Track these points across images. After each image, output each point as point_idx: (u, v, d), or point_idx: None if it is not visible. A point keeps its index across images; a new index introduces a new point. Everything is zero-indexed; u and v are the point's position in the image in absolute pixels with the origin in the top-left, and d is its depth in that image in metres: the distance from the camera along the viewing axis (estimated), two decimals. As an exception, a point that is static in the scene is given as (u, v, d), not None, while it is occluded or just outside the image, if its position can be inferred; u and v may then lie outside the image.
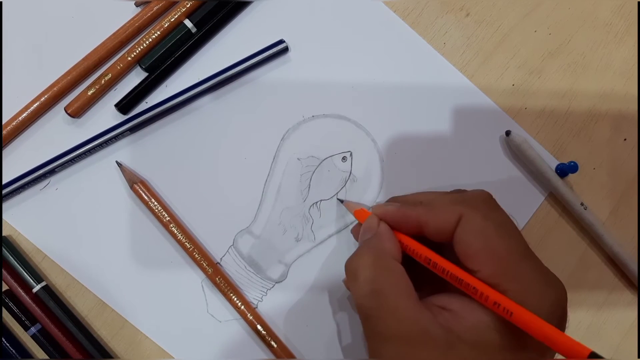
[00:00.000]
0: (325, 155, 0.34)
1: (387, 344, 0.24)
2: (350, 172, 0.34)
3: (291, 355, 0.32)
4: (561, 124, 0.36)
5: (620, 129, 0.36)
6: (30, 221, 0.33)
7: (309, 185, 0.34)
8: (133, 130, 0.33)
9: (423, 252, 0.26)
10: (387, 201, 0.31)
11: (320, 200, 0.34)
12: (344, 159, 0.34)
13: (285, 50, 0.34)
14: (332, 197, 0.34)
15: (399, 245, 0.27)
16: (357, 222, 0.32)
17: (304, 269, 0.33)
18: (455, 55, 0.36)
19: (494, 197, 0.27)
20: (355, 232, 0.32)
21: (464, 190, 0.29)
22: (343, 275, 0.32)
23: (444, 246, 0.26)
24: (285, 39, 0.34)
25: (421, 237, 0.27)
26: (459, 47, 0.36)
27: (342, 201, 0.33)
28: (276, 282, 0.33)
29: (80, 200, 0.33)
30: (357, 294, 0.25)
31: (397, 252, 0.26)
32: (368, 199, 0.34)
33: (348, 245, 0.34)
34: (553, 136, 0.36)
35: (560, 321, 0.24)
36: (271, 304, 0.33)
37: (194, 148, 0.34)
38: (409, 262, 0.26)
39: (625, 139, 0.36)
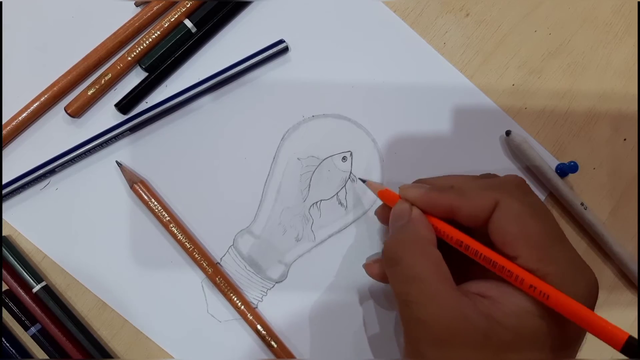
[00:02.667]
0: (325, 155, 0.34)
1: (426, 330, 0.23)
2: (351, 172, 0.34)
3: (291, 356, 0.32)
4: (561, 124, 0.36)
5: (620, 129, 0.36)
6: (30, 221, 0.33)
7: (309, 185, 0.34)
8: (133, 130, 0.33)
9: (455, 235, 0.26)
10: (414, 182, 0.30)
11: (321, 200, 0.34)
12: (344, 158, 0.34)
13: (286, 50, 0.34)
14: (332, 197, 0.34)
15: (433, 231, 0.26)
16: (378, 204, 0.32)
17: (305, 270, 0.33)
18: (455, 55, 0.36)
19: (526, 182, 0.27)
20: (380, 214, 0.31)
21: (494, 175, 0.29)
22: (344, 274, 0.32)
23: (474, 231, 0.26)
24: (285, 39, 0.34)
25: (449, 220, 0.27)
26: (459, 47, 0.36)
27: (364, 181, 0.32)
28: (276, 282, 0.33)
29: (80, 200, 0.33)
30: (396, 280, 0.25)
31: (433, 238, 0.26)
32: (367, 200, 0.34)
33: (349, 245, 0.34)
34: (553, 136, 0.36)
35: (593, 306, 0.24)
36: (271, 304, 0.33)
37: (194, 148, 0.34)
38: (441, 250, 0.26)
39: (625, 139, 0.36)
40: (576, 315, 0.22)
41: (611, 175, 0.36)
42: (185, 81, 0.34)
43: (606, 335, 0.21)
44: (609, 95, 0.37)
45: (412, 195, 0.27)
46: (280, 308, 0.33)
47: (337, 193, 0.34)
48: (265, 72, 0.35)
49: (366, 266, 0.30)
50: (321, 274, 0.33)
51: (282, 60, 0.35)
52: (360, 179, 0.34)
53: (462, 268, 0.26)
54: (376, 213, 0.32)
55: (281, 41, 0.34)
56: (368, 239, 0.34)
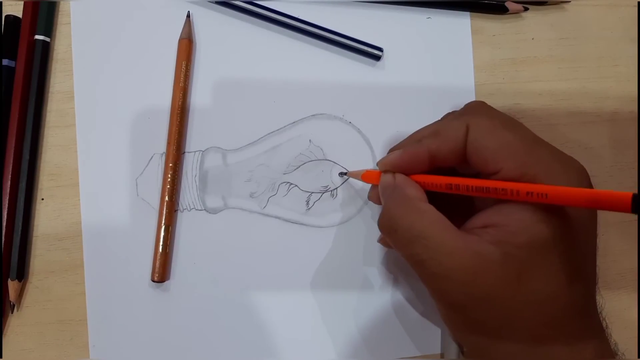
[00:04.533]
0: (332, 158, 0.35)
1: (446, 281, 0.24)
2: (336, 189, 0.35)
3: (165, 262, 0.32)
4: (561, 124, 0.36)
5: (620, 129, 0.36)
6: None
7: (298, 167, 0.35)
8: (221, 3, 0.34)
9: (442, 180, 0.26)
10: (389, 151, 0.31)
11: (295, 186, 0.34)
12: (341, 174, 0.35)
13: (378, 58, 0.35)
14: (304, 192, 0.34)
15: (421, 188, 0.27)
16: (367, 190, 0.32)
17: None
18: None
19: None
20: (373, 196, 0.32)
21: (456, 110, 0.29)
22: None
23: (460, 173, 0.27)
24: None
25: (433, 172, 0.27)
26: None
27: (345, 174, 0.33)
28: (205, 210, 0.34)
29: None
30: (400, 245, 0.25)
31: (422, 194, 0.26)
32: (329, 219, 0.34)
33: (288, 242, 0.34)
34: (551, 137, 0.35)
35: (590, 187, 0.25)
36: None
37: (251, 56, 0.35)
38: (435, 205, 0.26)
39: (624, 139, 0.36)
40: (579, 198, 0.21)
41: (611, 175, 0.36)
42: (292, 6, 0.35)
43: (612, 203, 0.20)
44: (609, 95, 0.36)
45: (389, 162, 0.28)
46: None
47: (310, 193, 0.34)
48: (353, 64, 0.35)
49: (381, 241, 0.31)
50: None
51: (371, 62, 0.35)
52: (340, 173, 0.34)
53: (462, 214, 0.26)
54: (370, 198, 0.32)
55: (380, 48, 0.35)
56: (303, 247, 0.34)
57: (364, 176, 0.31)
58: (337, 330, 0.34)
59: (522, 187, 0.23)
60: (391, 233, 0.26)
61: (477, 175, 0.26)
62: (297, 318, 0.34)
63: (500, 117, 0.26)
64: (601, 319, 0.26)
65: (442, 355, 0.34)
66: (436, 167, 0.27)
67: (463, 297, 0.24)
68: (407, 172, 0.27)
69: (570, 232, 0.24)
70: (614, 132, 0.36)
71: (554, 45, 0.36)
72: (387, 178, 0.28)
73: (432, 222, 0.24)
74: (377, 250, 0.34)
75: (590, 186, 0.25)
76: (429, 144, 0.26)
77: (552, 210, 0.23)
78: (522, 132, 0.26)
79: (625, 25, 0.37)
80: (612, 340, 0.26)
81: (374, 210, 0.35)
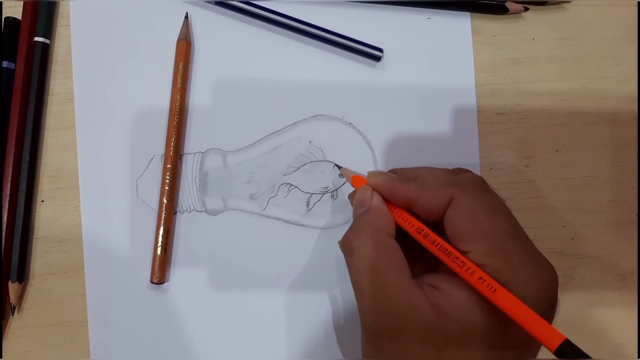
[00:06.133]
0: (332, 159, 0.35)
1: (377, 319, 0.24)
2: (336, 189, 0.35)
3: (164, 264, 0.32)
4: (562, 124, 0.36)
5: (621, 129, 0.36)
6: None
7: (299, 168, 0.35)
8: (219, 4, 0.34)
9: (416, 222, 0.26)
10: (388, 171, 0.31)
11: (295, 187, 0.34)
12: (341, 175, 0.35)
13: (378, 58, 0.35)
14: (304, 193, 0.34)
15: (393, 221, 0.27)
16: (353, 189, 0.32)
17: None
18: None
19: (486, 181, 0.28)
20: (352, 197, 0.32)
21: (462, 170, 0.29)
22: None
23: (434, 227, 0.27)
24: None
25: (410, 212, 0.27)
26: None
27: (340, 167, 0.33)
28: (205, 212, 0.34)
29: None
30: (352, 270, 0.26)
31: (391, 228, 0.27)
32: (330, 219, 0.34)
33: (285, 243, 0.34)
34: (552, 137, 0.35)
35: (550, 304, 0.25)
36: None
37: (249, 54, 0.35)
38: (401, 240, 0.26)
39: (624, 139, 0.36)
40: (517, 312, 0.22)
41: (611, 175, 0.36)
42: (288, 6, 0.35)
43: (542, 335, 0.21)
44: (609, 95, 0.36)
45: (374, 182, 0.28)
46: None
47: (311, 195, 0.34)
48: (351, 64, 0.35)
49: (350, 195, 0.31)
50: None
51: (371, 63, 0.35)
52: (336, 165, 0.34)
53: (425, 259, 0.27)
54: (349, 197, 0.32)
55: (380, 49, 0.35)
56: (303, 249, 0.34)
57: (354, 179, 0.31)
58: (337, 330, 0.34)
59: (478, 271, 0.23)
60: (348, 255, 0.26)
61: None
62: (297, 319, 0.34)
63: (487, 202, 0.26)
64: None
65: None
66: (415, 212, 0.27)
67: (384, 340, 0.24)
68: (387, 199, 0.28)
69: (506, 335, 0.24)
70: (615, 132, 0.36)
71: (554, 46, 0.36)
72: (365, 196, 0.28)
73: (389, 260, 0.25)
74: (378, 252, 0.34)
75: (555, 298, 0.25)
76: (411, 191, 0.26)
77: (496, 311, 0.23)
78: (503, 223, 0.25)
79: (626, 25, 0.37)
80: None
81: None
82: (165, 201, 0.33)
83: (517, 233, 0.26)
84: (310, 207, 0.34)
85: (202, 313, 0.33)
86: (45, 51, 0.34)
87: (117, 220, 0.33)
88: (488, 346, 0.24)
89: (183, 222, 0.34)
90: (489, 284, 0.23)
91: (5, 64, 0.33)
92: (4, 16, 0.34)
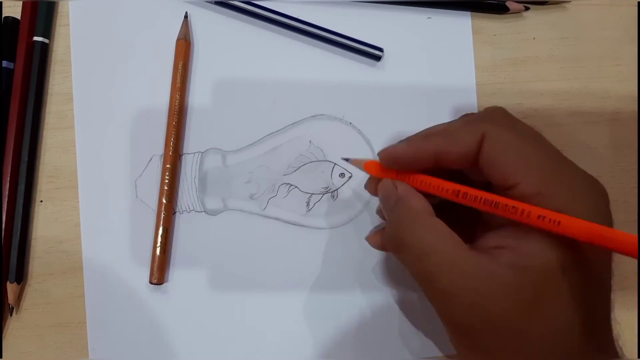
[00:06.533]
0: (332, 158, 0.35)
1: (455, 300, 0.22)
2: (337, 190, 0.34)
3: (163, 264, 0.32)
4: (563, 123, 0.35)
5: (621, 128, 0.36)
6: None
7: (298, 168, 0.34)
8: (219, 3, 0.34)
9: (450, 186, 0.24)
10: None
11: (295, 187, 0.34)
12: (341, 175, 0.35)
13: (378, 58, 0.35)
14: (304, 193, 0.34)
15: (426, 200, 0.25)
16: (367, 178, 0.30)
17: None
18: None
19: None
20: (370, 187, 0.29)
21: (474, 113, 0.28)
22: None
23: (464, 177, 0.25)
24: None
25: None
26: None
27: (347, 159, 0.31)
28: (205, 212, 0.34)
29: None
30: (409, 262, 0.24)
31: (428, 206, 0.25)
32: (329, 220, 0.34)
33: (287, 243, 0.34)
34: (552, 137, 0.35)
35: (607, 220, 0.23)
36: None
37: (249, 55, 0.35)
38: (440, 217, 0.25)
39: (625, 139, 0.36)
40: (589, 234, 0.20)
41: (611, 176, 0.36)
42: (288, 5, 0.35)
43: (621, 245, 0.19)
44: (609, 95, 0.36)
45: (394, 154, 0.26)
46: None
47: (310, 195, 0.34)
48: (351, 63, 0.35)
49: (369, 239, 0.29)
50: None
51: (371, 63, 0.35)
52: (343, 158, 0.32)
53: (469, 230, 0.25)
54: (366, 187, 0.30)
55: (380, 49, 0.34)
56: (303, 249, 0.34)
57: (367, 165, 0.29)
58: (337, 331, 0.34)
59: (535, 209, 0.21)
60: (399, 249, 0.25)
61: (487, 185, 0.25)
62: (297, 319, 0.33)
63: (522, 130, 0.25)
64: (617, 348, 0.25)
65: (440, 358, 0.34)
66: (440, 168, 0.25)
67: (471, 319, 0.22)
68: (409, 168, 0.26)
69: (587, 262, 0.22)
70: (616, 132, 0.36)
71: (555, 45, 0.36)
72: (388, 186, 0.26)
73: (443, 237, 0.23)
74: (378, 252, 0.34)
75: (609, 214, 0.24)
76: (438, 143, 0.24)
77: (568, 241, 0.22)
78: (545, 147, 0.24)
79: (626, 24, 0.37)
80: None
81: (375, 211, 0.34)
82: (164, 201, 0.32)
83: (561, 156, 0.24)
84: (310, 207, 0.34)
85: (201, 314, 0.33)
86: (45, 51, 0.33)
87: (116, 220, 0.33)
88: (576, 283, 0.22)
89: (182, 223, 0.33)
90: (550, 219, 0.21)
91: (4, 63, 0.33)
92: (3, 16, 0.34)
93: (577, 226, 0.20)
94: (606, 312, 0.24)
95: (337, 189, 0.34)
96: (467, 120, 0.26)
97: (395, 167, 0.26)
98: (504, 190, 0.23)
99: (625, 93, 0.36)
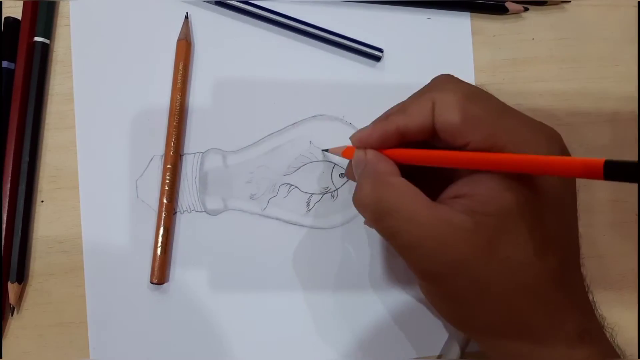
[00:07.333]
0: (332, 159, 0.35)
1: (418, 251, 0.24)
2: (336, 190, 0.35)
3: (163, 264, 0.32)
4: (562, 124, 0.35)
5: (621, 129, 0.36)
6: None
7: (299, 168, 0.35)
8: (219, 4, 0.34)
9: (417, 153, 0.25)
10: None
11: (296, 187, 0.34)
12: (341, 175, 0.35)
13: (378, 58, 0.35)
14: (304, 193, 0.34)
15: (393, 163, 0.26)
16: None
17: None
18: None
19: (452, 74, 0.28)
20: (349, 174, 0.31)
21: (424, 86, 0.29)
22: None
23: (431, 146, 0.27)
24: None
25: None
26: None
27: (326, 150, 0.33)
28: (205, 212, 0.34)
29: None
30: (373, 220, 0.25)
31: (393, 168, 0.26)
32: (331, 220, 0.34)
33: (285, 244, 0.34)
34: None
35: (563, 153, 0.25)
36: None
37: (250, 57, 0.35)
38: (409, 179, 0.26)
39: (624, 140, 0.36)
40: (546, 167, 0.21)
41: None
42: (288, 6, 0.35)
43: (583, 169, 0.19)
44: (609, 95, 0.36)
45: (359, 137, 0.27)
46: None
47: (311, 195, 0.34)
48: (351, 63, 0.35)
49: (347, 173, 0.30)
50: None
51: (371, 63, 0.35)
52: (323, 150, 0.34)
53: (440, 189, 0.26)
54: (346, 174, 0.32)
55: (380, 49, 0.35)
56: (303, 249, 0.34)
57: (345, 152, 0.30)
58: (337, 331, 0.34)
59: (490, 156, 0.23)
60: (363, 208, 0.26)
61: (449, 148, 0.26)
62: (297, 320, 0.34)
63: (465, 90, 0.26)
64: (587, 291, 0.26)
65: (439, 357, 0.34)
66: (407, 142, 0.26)
67: (435, 266, 0.24)
68: (378, 148, 0.27)
69: (541, 200, 0.23)
70: (615, 133, 0.36)
71: (554, 46, 0.36)
72: (359, 154, 0.27)
73: (401, 194, 0.24)
74: (378, 252, 0.34)
75: (564, 151, 0.25)
76: (397, 121, 0.26)
77: (521, 179, 0.23)
78: (488, 103, 0.25)
79: (626, 25, 0.37)
80: (599, 313, 0.26)
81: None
82: (165, 201, 0.33)
83: (506, 107, 0.26)
84: (310, 207, 0.34)
85: (202, 313, 0.33)
86: (45, 51, 0.34)
87: (117, 220, 0.33)
88: (533, 224, 0.23)
89: (183, 223, 0.34)
90: (505, 162, 0.22)
91: (5, 64, 0.33)
92: (3, 16, 0.34)
93: (532, 160, 0.21)
94: (569, 253, 0.25)
95: (337, 189, 0.35)
96: (418, 93, 0.27)
97: (367, 147, 0.27)
98: (459, 150, 0.24)
99: (624, 93, 0.36)
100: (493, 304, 0.24)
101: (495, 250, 0.23)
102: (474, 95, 0.25)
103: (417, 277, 0.26)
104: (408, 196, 0.24)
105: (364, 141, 0.27)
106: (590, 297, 0.27)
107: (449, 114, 0.24)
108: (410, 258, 0.25)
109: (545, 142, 0.24)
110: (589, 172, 0.19)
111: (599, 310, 0.27)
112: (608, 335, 0.26)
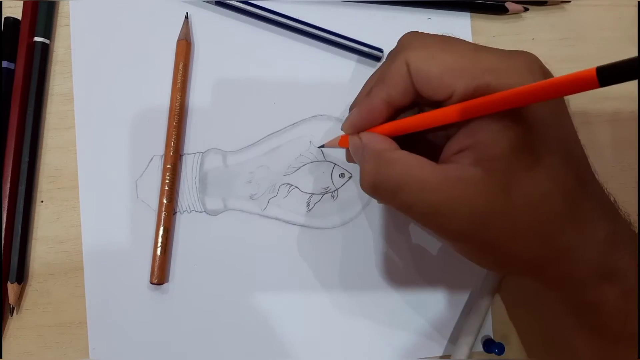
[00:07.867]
0: (332, 159, 0.35)
1: (440, 217, 0.23)
2: (337, 190, 0.35)
3: (163, 268, 0.32)
4: None
5: (621, 129, 0.36)
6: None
7: (299, 168, 0.35)
8: (219, 4, 0.34)
9: (410, 121, 0.25)
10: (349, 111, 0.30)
11: (296, 187, 0.34)
12: (341, 175, 0.35)
13: (378, 58, 0.35)
14: (304, 193, 0.34)
15: (389, 139, 0.26)
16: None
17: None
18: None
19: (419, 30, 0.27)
20: (348, 157, 0.31)
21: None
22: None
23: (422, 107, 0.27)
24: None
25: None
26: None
27: (322, 146, 0.33)
28: (205, 212, 0.34)
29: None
30: (387, 200, 0.25)
31: (390, 144, 0.25)
32: (330, 220, 0.34)
33: (289, 245, 0.34)
34: None
35: (546, 76, 0.24)
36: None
37: (249, 56, 0.35)
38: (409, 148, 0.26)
39: (625, 139, 0.36)
40: (541, 93, 0.20)
41: (611, 176, 0.36)
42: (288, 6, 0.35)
43: (577, 83, 0.19)
44: (609, 95, 0.36)
45: (352, 124, 0.27)
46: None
47: (311, 195, 0.34)
48: (350, 62, 0.35)
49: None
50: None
51: (369, 63, 0.35)
52: (319, 146, 0.34)
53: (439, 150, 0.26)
54: (347, 160, 0.32)
55: (380, 49, 0.35)
56: (303, 249, 0.34)
57: (341, 142, 0.30)
58: (338, 331, 0.34)
59: (479, 101, 0.22)
60: (373, 191, 0.25)
61: (438, 104, 0.25)
62: (298, 320, 0.34)
63: (435, 41, 0.25)
64: (608, 195, 0.26)
65: (441, 357, 0.34)
66: (396, 111, 0.26)
67: (459, 226, 0.23)
68: (371, 127, 0.27)
69: (538, 128, 0.23)
70: (615, 132, 0.36)
71: (554, 46, 0.36)
72: (354, 140, 0.27)
73: (406, 167, 0.24)
74: (378, 252, 0.34)
75: (546, 73, 0.24)
76: (380, 94, 0.25)
77: (513, 114, 0.23)
78: (460, 47, 0.25)
79: (626, 25, 0.37)
80: (623, 212, 0.27)
81: (375, 211, 0.34)
82: (165, 201, 0.32)
83: (478, 46, 0.25)
84: (310, 207, 0.34)
85: (202, 313, 0.33)
86: (45, 51, 0.34)
87: (116, 220, 0.33)
88: (537, 152, 0.23)
89: (183, 223, 0.34)
90: (497, 102, 0.22)
91: (5, 64, 0.33)
92: (3, 16, 0.34)
93: (519, 92, 0.21)
94: (581, 166, 0.26)
95: (337, 189, 0.35)
96: (389, 58, 0.27)
97: (360, 131, 0.27)
98: (446, 102, 0.24)
99: (624, 93, 0.36)
100: (527, 241, 0.24)
101: (513, 191, 0.23)
102: (444, 44, 0.25)
103: (446, 240, 0.26)
104: (413, 167, 0.24)
105: (355, 126, 0.27)
106: (612, 199, 0.27)
107: (426, 69, 0.24)
108: (433, 225, 0.24)
109: (527, 69, 0.24)
110: (585, 84, 0.18)
111: (622, 210, 0.27)
112: (632, 226, 0.27)
